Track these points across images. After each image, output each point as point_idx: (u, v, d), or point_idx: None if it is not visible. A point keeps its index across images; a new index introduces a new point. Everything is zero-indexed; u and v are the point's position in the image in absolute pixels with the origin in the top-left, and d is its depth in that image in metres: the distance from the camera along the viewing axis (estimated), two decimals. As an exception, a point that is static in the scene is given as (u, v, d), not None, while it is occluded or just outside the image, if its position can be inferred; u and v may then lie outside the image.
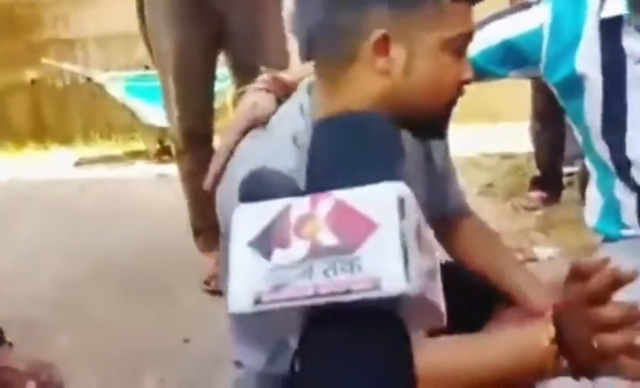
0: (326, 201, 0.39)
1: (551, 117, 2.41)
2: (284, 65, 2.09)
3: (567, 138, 2.45)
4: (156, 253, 2.41)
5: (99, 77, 4.28)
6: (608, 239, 1.14)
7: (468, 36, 0.81)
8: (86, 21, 4.99)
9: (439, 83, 0.79)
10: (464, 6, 0.78)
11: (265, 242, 0.39)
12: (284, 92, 0.90)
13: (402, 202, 0.38)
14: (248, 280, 0.38)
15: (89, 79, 4.40)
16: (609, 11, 0.99)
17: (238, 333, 0.98)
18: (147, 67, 3.56)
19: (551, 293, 0.91)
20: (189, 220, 2.14)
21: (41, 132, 4.86)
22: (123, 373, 1.66)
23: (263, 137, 0.84)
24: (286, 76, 0.92)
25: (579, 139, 1.14)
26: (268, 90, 0.90)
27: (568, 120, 2.15)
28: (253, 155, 0.81)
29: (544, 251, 2.13)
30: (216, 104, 3.91)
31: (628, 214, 1.08)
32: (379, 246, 0.37)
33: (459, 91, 0.82)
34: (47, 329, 1.85)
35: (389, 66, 0.78)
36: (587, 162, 1.16)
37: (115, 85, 4.10)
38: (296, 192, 0.41)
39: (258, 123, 0.85)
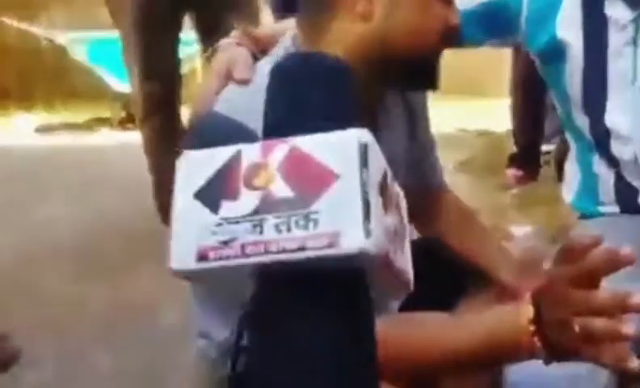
0: (280, 148, 0.35)
1: (531, 93, 2.39)
2: (254, 23, 2.00)
3: (546, 117, 2.44)
4: (117, 225, 2.32)
5: (61, 38, 4.09)
6: (585, 216, 1.12)
7: None
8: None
9: (423, 27, 0.77)
10: None
11: (212, 194, 0.36)
12: (257, 48, 0.86)
13: (364, 149, 0.34)
14: (192, 234, 0.36)
15: (50, 41, 4.20)
16: None
17: (201, 302, 0.92)
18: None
19: (525, 271, 0.91)
20: (152, 192, 2.03)
21: (1, 96, 4.66)
22: (82, 346, 1.59)
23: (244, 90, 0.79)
24: (259, 32, 0.89)
25: (559, 111, 1.11)
26: (241, 45, 0.85)
27: (547, 98, 2.14)
28: (232, 104, 0.76)
29: (520, 229, 2.10)
30: (184, 70, 3.81)
31: (605, 190, 1.06)
32: (337, 199, 0.33)
33: (447, 40, 0.79)
34: (3, 304, 1.75)
35: (370, 8, 0.75)
36: (567, 136, 1.14)
37: (79, 47, 3.93)
38: (249, 139, 0.37)
39: (236, 79, 0.81)
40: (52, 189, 2.74)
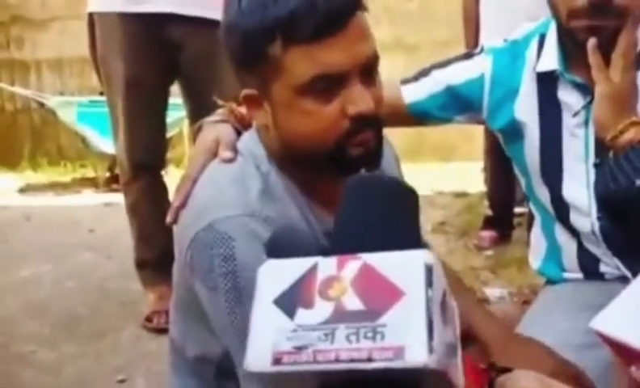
0: (354, 264, 0.38)
1: (502, 157, 2.43)
2: (239, 96, 2.06)
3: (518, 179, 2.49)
4: (97, 288, 2.31)
5: (51, 101, 4.16)
6: (551, 282, 1.16)
7: (335, 75, 0.75)
8: (41, 44, 4.89)
9: (307, 129, 0.77)
10: (308, 49, 0.74)
11: (290, 301, 0.38)
12: (242, 125, 0.90)
13: (429, 270, 0.37)
14: (269, 338, 0.37)
15: (41, 104, 4.27)
16: (544, 66, 1.03)
17: (178, 369, 0.96)
18: (102, 93, 3.49)
19: (505, 334, 0.92)
20: (133, 252, 2.05)
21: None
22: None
23: (228, 165, 0.85)
24: (242, 108, 0.93)
25: (522, 183, 1.17)
26: (225, 122, 0.91)
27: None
28: (219, 181, 0.82)
29: (493, 291, 2.13)
30: (173, 133, 3.89)
31: (569, 258, 1.11)
32: (404, 315, 0.36)
33: (357, 127, 0.77)
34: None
35: (264, 121, 0.81)
36: (531, 206, 1.19)
37: (67, 110, 4.00)
38: (323, 251, 0.40)
39: (220, 155, 0.86)
40: (33, 250, 2.73)
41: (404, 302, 0.37)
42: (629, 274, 1.03)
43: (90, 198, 3.79)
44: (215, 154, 0.86)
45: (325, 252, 0.41)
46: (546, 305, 1.10)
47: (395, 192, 0.43)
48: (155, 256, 2.01)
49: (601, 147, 0.98)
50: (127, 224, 2.05)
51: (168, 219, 0.87)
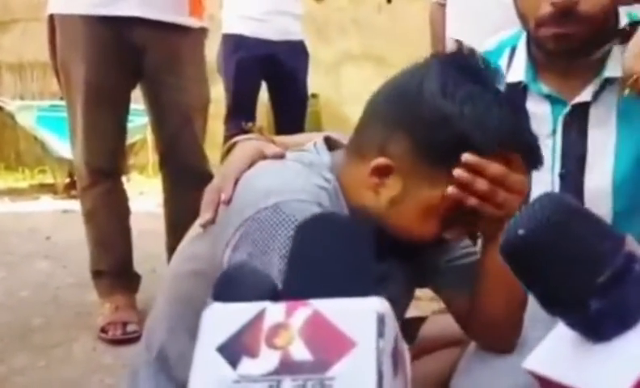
0: (303, 311, 0.36)
1: None
2: (204, 104, 2.04)
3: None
4: (50, 297, 2.23)
5: (10, 105, 4.04)
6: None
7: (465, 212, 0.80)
8: (1, 47, 4.75)
9: (416, 231, 0.81)
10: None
11: (234, 349, 0.36)
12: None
13: (381, 320, 0.36)
14: None
15: (0, 108, 4.14)
16: (512, 77, 1.05)
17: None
18: (62, 98, 3.41)
19: None
20: (89, 261, 1.99)
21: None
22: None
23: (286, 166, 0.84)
24: (273, 137, 0.95)
25: None
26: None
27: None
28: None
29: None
30: (135, 139, 3.82)
31: None
32: (353, 367, 0.35)
33: (436, 243, 0.83)
34: None
35: (379, 188, 0.80)
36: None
37: (26, 114, 3.89)
38: (273, 293, 0.39)
39: (269, 153, 0.86)
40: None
41: (354, 354, 0.35)
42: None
43: (48, 204, 3.68)
44: (256, 159, 0.84)
45: (278, 296, 0.39)
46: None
47: (347, 232, 0.42)
48: (112, 266, 1.96)
49: (567, 157, 0.99)
50: (83, 232, 1.99)
51: (207, 215, 0.83)
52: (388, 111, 0.81)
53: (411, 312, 1.02)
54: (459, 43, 1.14)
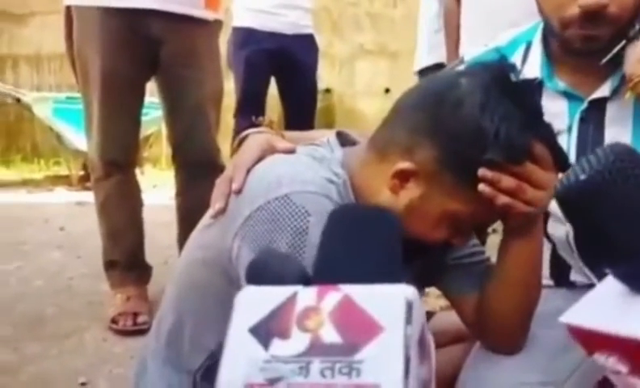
0: (334, 295, 0.37)
1: None
2: (218, 97, 2.04)
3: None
4: (63, 287, 2.25)
5: (27, 96, 4.09)
6: None
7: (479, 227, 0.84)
8: (20, 39, 4.80)
9: (427, 234, 0.81)
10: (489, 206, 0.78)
11: (266, 331, 0.37)
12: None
13: (409, 307, 0.36)
14: (242, 368, 0.36)
15: (18, 100, 4.19)
16: (527, 73, 1.03)
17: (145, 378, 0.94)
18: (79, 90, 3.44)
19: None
20: (102, 252, 2.00)
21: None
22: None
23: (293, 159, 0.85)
24: (284, 132, 0.95)
25: None
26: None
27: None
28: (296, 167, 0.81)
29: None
30: (150, 131, 3.85)
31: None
32: (381, 351, 0.36)
33: (444, 246, 0.84)
34: None
35: (398, 190, 0.80)
36: None
37: (43, 105, 3.93)
38: (304, 278, 0.39)
39: (280, 147, 0.86)
40: (2, 247, 2.66)
41: (382, 338, 0.36)
42: (597, 282, 1.02)
43: (62, 196, 3.72)
44: (267, 152, 0.85)
45: (308, 280, 0.40)
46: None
47: (377, 222, 0.43)
48: (124, 257, 1.97)
49: (583, 154, 0.98)
50: (97, 223, 2.01)
51: (218, 205, 0.84)
52: (419, 116, 0.80)
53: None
54: (461, 59, 1.13)
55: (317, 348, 0.36)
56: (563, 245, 1.04)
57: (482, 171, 0.76)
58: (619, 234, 0.39)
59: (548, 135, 0.81)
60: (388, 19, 4.38)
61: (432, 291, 1.11)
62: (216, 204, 0.84)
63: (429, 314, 1.14)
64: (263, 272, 0.41)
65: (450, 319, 1.02)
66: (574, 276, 1.06)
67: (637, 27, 0.98)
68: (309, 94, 2.98)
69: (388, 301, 0.37)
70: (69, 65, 2.04)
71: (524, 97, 0.79)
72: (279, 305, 0.37)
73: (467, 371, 0.94)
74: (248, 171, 0.83)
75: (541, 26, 1.06)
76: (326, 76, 3.37)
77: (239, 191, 0.82)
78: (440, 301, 1.43)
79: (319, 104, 3.24)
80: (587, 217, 0.40)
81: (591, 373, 0.89)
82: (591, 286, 1.03)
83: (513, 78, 0.79)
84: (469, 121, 0.76)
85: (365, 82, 4.40)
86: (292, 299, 0.38)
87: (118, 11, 1.82)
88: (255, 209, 0.77)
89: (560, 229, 1.03)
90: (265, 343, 0.36)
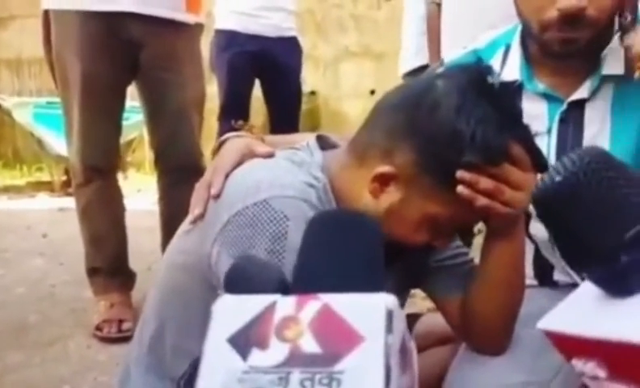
0: (313, 304, 0.37)
1: None
2: (200, 100, 2.02)
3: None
4: (46, 294, 2.22)
5: (7, 102, 4.03)
6: None
7: (461, 229, 0.84)
8: (-1, 43, 4.74)
9: (408, 237, 0.81)
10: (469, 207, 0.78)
11: (244, 341, 0.36)
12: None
13: (390, 316, 0.36)
14: (220, 379, 0.35)
15: (-3, 105, 4.14)
16: (507, 76, 1.03)
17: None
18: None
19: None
20: (85, 258, 1.98)
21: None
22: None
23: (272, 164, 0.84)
24: (263, 136, 0.95)
25: None
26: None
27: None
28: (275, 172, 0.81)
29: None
30: (133, 136, 3.81)
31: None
32: (362, 361, 0.35)
33: (427, 247, 0.84)
34: None
35: (378, 193, 0.80)
36: None
37: (23, 111, 3.88)
38: (283, 285, 0.39)
39: (258, 152, 0.86)
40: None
41: (363, 348, 0.35)
42: (580, 282, 1.03)
43: (44, 202, 3.68)
44: (247, 156, 0.84)
45: (288, 288, 0.40)
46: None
47: (358, 229, 0.42)
48: (107, 264, 1.95)
49: (562, 154, 0.98)
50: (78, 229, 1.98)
51: (197, 210, 0.83)
52: (397, 119, 0.80)
53: (406, 309, 1.01)
54: (441, 61, 1.13)
55: (296, 359, 0.35)
56: (546, 245, 1.05)
57: (460, 173, 0.76)
58: (592, 237, 0.39)
59: (525, 136, 0.81)
60: (372, 21, 4.39)
61: (419, 293, 1.11)
62: (195, 209, 0.83)
63: (416, 316, 1.14)
64: (242, 280, 0.40)
65: (437, 321, 1.02)
66: (558, 276, 1.07)
67: (629, 17, 0.98)
68: (293, 97, 2.98)
69: (368, 311, 0.36)
70: (48, 69, 2.01)
71: (501, 99, 0.79)
72: (257, 314, 0.37)
73: (453, 372, 0.94)
74: (227, 176, 0.82)
75: (520, 28, 1.07)
76: (310, 78, 3.37)
77: (218, 196, 0.81)
78: (427, 302, 1.43)
79: (304, 107, 3.23)
80: (561, 220, 0.40)
81: (576, 374, 0.89)
82: (574, 285, 1.05)
83: (490, 79, 0.79)
84: (445, 124, 0.76)
85: (350, 84, 4.41)
86: (270, 308, 0.37)
87: (97, 15, 1.81)
88: (234, 214, 0.77)
89: (542, 229, 1.03)
90: (243, 353, 0.36)
